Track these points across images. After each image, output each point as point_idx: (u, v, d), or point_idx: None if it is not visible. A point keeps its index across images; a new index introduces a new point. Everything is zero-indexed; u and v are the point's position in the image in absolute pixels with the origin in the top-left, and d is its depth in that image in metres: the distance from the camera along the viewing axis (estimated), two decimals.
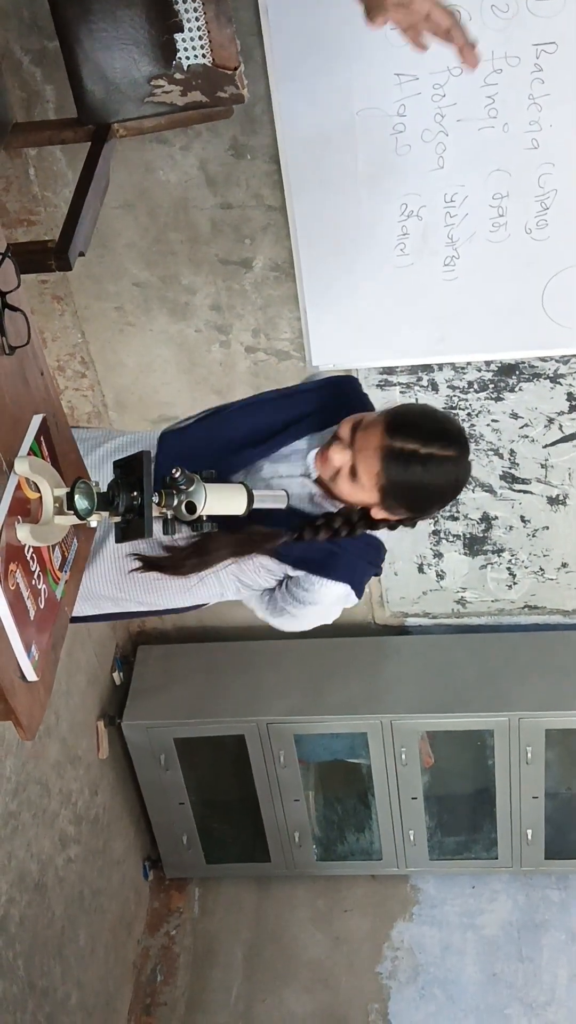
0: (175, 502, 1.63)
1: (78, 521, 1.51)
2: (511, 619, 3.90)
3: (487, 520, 3.61)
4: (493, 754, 3.68)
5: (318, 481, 1.92)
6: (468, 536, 3.66)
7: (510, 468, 3.45)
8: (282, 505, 1.84)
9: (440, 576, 3.79)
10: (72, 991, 3.35)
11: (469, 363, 3.21)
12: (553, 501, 3.53)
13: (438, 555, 3.72)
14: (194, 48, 2.16)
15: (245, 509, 1.74)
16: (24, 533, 1.41)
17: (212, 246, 3.02)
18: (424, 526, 3.61)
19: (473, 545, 3.68)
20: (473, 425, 3.35)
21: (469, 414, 3.33)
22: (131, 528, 1.56)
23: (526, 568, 3.73)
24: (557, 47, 2.57)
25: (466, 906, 4.03)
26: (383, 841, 3.95)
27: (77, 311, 3.20)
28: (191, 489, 1.64)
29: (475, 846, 4.02)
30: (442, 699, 3.66)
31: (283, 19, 2.57)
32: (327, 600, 1.95)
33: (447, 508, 3.55)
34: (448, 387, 3.27)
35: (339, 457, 1.82)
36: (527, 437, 3.37)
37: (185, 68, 2.18)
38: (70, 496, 1.49)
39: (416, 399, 3.29)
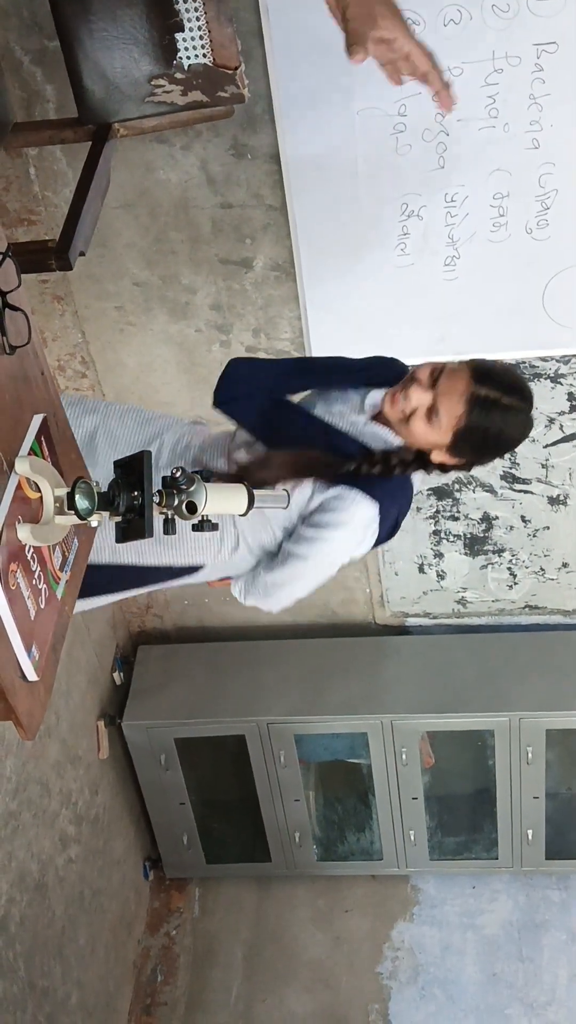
0: (176, 502, 1.63)
1: (79, 521, 1.51)
2: (512, 619, 3.90)
3: (488, 520, 3.61)
4: (493, 754, 3.68)
5: (375, 420, 2.03)
6: (469, 536, 3.66)
7: (511, 468, 3.45)
8: (283, 505, 1.84)
9: (441, 576, 3.79)
10: (72, 991, 3.35)
11: None
12: (554, 501, 3.53)
13: (439, 555, 3.72)
14: (195, 48, 2.16)
15: (246, 509, 1.75)
16: (25, 533, 1.41)
17: (212, 246, 3.02)
18: (425, 526, 3.61)
19: (474, 545, 3.68)
20: None
21: None
22: (132, 528, 1.56)
23: (527, 568, 3.72)
24: (558, 47, 2.57)
25: (466, 906, 4.03)
26: (383, 841, 3.95)
27: (77, 311, 3.20)
28: (192, 489, 1.64)
29: (475, 846, 4.02)
30: (442, 699, 3.66)
31: (283, 19, 2.57)
32: (356, 520, 1.97)
33: (447, 509, 3.56)
34: None
35: (419, 397, 1.92)
36: (528, 437, 3.36)
37: (186, 68, 2.18)
38: (71, 496, 1.49)
39: None
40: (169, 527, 1.65)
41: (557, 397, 3.26)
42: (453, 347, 3.11)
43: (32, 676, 1.45)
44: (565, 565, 3.70)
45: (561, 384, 3.23)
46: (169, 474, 1.60)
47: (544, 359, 3.18)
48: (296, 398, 2.18)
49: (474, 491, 3.52)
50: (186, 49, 2.16)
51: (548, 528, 3.60)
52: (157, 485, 1.60)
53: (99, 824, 3.68)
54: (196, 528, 1.68)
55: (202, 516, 1.66)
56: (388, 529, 2.03)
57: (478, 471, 3.44)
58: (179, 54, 2.17)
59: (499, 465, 3.44)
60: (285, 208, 2.90)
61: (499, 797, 3.77)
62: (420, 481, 2.10)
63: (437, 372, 1.92)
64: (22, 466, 1.43)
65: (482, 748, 3.86)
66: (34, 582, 1.46)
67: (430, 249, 2.91)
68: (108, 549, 2.03)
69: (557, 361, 3.18)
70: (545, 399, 3.27)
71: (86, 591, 1.96)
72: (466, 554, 3.71)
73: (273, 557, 2.09)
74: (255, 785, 3.82)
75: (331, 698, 3.69)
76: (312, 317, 3.08)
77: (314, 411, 2.09)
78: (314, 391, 2.17)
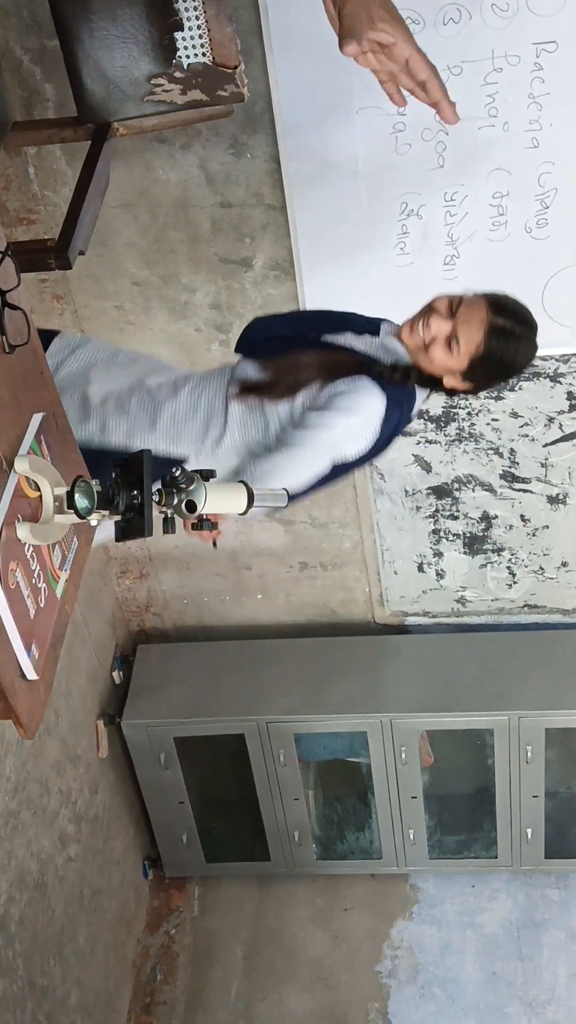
0: (175, 501, 1.63)
1: (78, 520, 1.51)
2: (511, 618, 3.90)
3: (487, 519, 3.61)
4: (493, 753, 3.68)
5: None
6: (468, 535, 3.66)
7: (510, 467, 3.45)
8: (282, 504, 1.84)
9: (440, 575, 3.79)
10: (72, 990, 3.35)
11: None
12: (553, 500, 3.53)
13: (438, 554, 3.72)
14: (194, 47, 2.16)
15: (245, 508, 1.75)
16: (24, 532, 1.41)
17: (212, 245, 3.02)
18: (424, 525, 3.62)
19: (473, 544, 3.68)
20: (473, 424, 3.35)
21: (469, 413, 3.33)
22: (131, 527, 1.56)
23: (526, 567, 3.73)
24: (557, 46, 2.57)
25: (466, 905, 4.03)
26: (383, 840, 3.95)
27: (77, 310, 3.20)
28: (191, 488, 1.64)
29: (475, 845, 4.02)
30: (442, 698, 3.66)
31: (283, 18, 2.58)
32: (364, 410, 2.05)
33: (447, 508, 3.56)
34: None
35: (439, 326, 2.05)
36: (527, 436, 3.37)
37: (185, 67, 2.18)
38: (70, 495, 1.49)
39: None
40: (168, 526, 1.65)
41: (556, 396, 3.26)
42: None
43: (32, 675, 1.45)
44: (564, 564, 3.70)
45: (560, 383, 3.23)
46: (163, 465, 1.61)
47: (543, 358, 3.18)
48: None
49: (473, 490, 3.53)
50: (186, 48, 2.16)
51: (547, 527, 3.60)
52: (157, 484, 1.60)
53: (99, 823, 3.68)
54: (195, 527, 1.68)
55: (201, 515, 1.66)
56: (386, 435, 2.10)
57: (478, 470, 3.44)
58: (179, 53, 2.17)
59: (498, 464, 3.44)
60: (284, 207, 2.90)
61: (498, 796, 3.77)
62: (422, 401, 2.20)
63: (456, 303, 2.06)
64: (22, 465, 1.43)
65: (481, 747, 3.86)
66: (34, 581, 1.46)
67: (429, 248, 2.91)
68: (98, 433, 2.09)
69: (556, 360, 3.18)
70: (544, 398, 3.27)
71: None
72: (465, 553, 3.71)
73: (251, 459, 2.11)
74: (254, 784, 3.82)
75: (330, 697, 3.69)
76: None
77: (330, 338, 2.20)
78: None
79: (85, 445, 2.02)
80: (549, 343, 3.09)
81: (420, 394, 2.17)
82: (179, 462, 2.02)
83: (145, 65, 2.18)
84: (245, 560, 3.83)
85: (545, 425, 3.33)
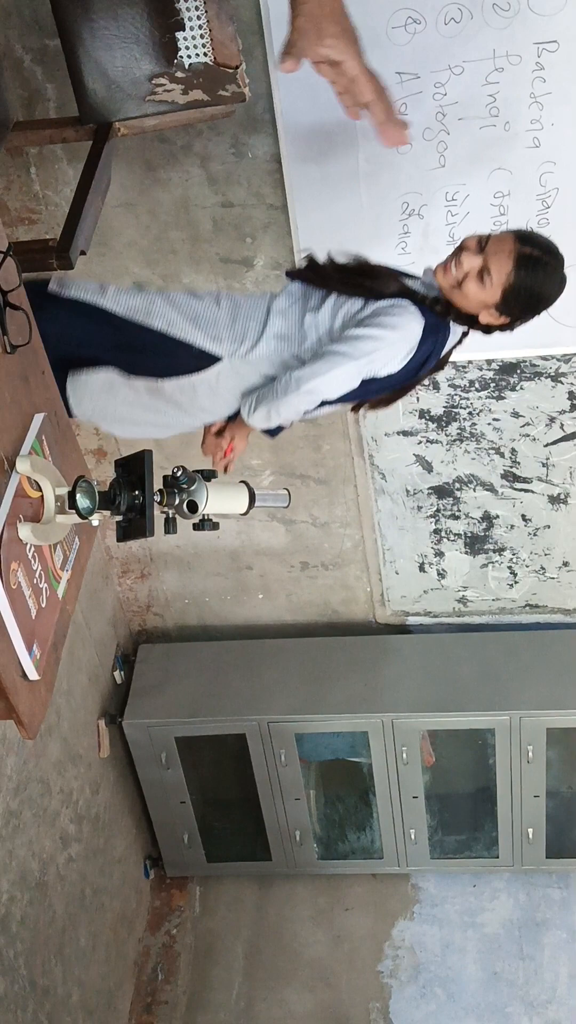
0: (176, 501, 1.63)
1: (80, 520, 1.51)
2: (512, 618, 3.90)
3: (488, 519, 3.61)
4: (494, 753, 3.68)
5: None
6: (469, 535, 3.66)
7: (511, 467, 3.45)
8: (284, 504, 1.85)
9: (441, 575, 3.79)
10: (73, 990, 3.35)
11: (470, 361, 3.21)
12: (554, 500, 3.53)
13: (439, 554, 3.72)
14: (195, 46, 2.16)
15: (247, 508, 1.75)
16: (26, 532, 1.42)
17: (213, 245, 3.02)
18: (425, 525, 3.62)
19: (474, 544, 3.68)
20: (474, 424, 3.35)
21: (470, 413, 3.33)
22: (132, 527, 1.56)
23: (527, 567, 3.73)
24: (558, 45, 2.57)
25: (467, 905, 4.03)
26: (384, 840, 3.95)
27: None
28: (192, 488, 1.64)
29: (476, 845, 4.02)
30: (443, 698, 3.66)
31: (284, 17, 2.56)
32: (404, 328, 2.15)
33: (448, 508, 3.56)
34: (449, 386, 3.27)
35: (471, 261, 2.14)
36: (528, 436, 3.37)
37: (186, 66, 2.18)
38: (71, 495, 1.49)
39: (417, 397, 3.29)
40: (170, 526, 1.66)
41: (558, 396, 3.26)
42: None
43: (33, 675, 1.46)
44: (565, 564, 3.70)
45: (562, 383, 3.23)
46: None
47: (544, 358, 3.18)
48: None
49: (475, 490, 3.52)
50: (187, 48, 2.16)
51: (549, 527, 3.60)
52: (158, 484, 1.60)
53: (100, 823, 3.68)
54: (197, 528, 1.68)
55: (203, 515, 1.67)
56: (417, 362, 2.21)
57: (479, 470, 3.44)
58: (180, 53, 2.17)
59: (499, 464, 3.44)
60: (286, 207, 2.90)
61: (500, 796, 3.77)
62: (455, 343, 2.30)
63: (484, 239, 2.16)
64: (23, 465, 1.43)
65: (483, 747, 3.86)
66: (35, 581, 1.46)
67: (431, 248, 2.90)
68: (143, 313, 2.20)
69: (558, 360, 3.18)
70: (546, 398, 3.27)
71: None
72: (467, 553, 3.71)
73: (285, 370, 2.21)
74: (256, 784, 3.82)
75: (332, 697, 3.69)
76: None
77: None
78: None
79: (128, 318, 2.19)
80: (551, 342, 3.10)
81: (455, 333, 2.27)
82: (215, 358, 2.19)
83: (146, 65, 2.18)
84: (246, 560, 3.83)
85: (546, 425, 3.33)
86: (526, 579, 3.77)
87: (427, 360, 2.24)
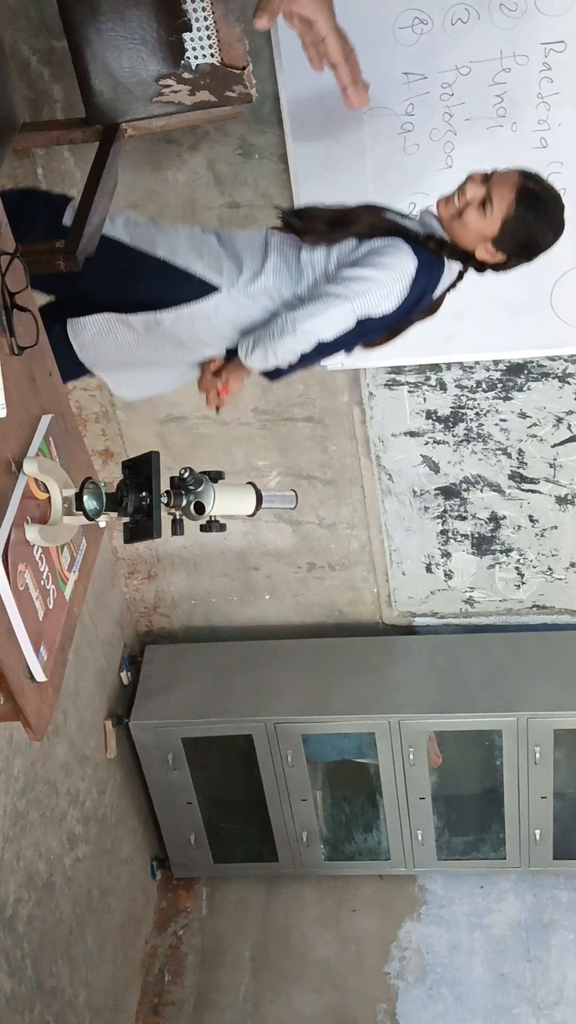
0: (184, 502, 1.63)
1: (87, 521, 1.51)
2: (519, 619, 3.90)
3: (495, 520, 3.60)
4: (501, 754, 3.68)
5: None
6: (476, 536, 3.65)
7: (518, 468, 3.45)
8: (291, 506, 1.85)
9: (448, 576, 3.78)
10: (80, 991, 3.35)
11: (477, 362, 3.21)
12: (562, 501, 3.52)
13: (446, 555, 3.72)
14: (202, 47, 2.16)
15: (254, 510, 1.75)
16: (33, 533, 1.42)
17: None
18: (432, 525, 3.61)
19: (481, 545, 3.68)
20: (481, 424, 3.35)
21: (477, 413, 3.32)
22: (139, 529, 1.56)
23: (534, 568, 3.72)
24: (566, 46, 2.57)
25: (474, 906, 4.03)
26: (391, 841, 3.95)
27: None
28: (199, 489, 1.64)
29: (483, 846, 4.02)
30: (450, 699, 3.65)
31: None
32: (398, 267, 2.16)
33: (455, 509, 3.56)
34: (456, 386, 3.27)
35: (474, 191, 2.16)
36: (535, 436, 3.36)
37: (193, 67, 2.18)
38: (79, 496, 1.49)
39: (424, 398, 3.29)
40: (177, 528, 1.66)
41: (565, 396, 3.25)
42: (460, 346, 3.11)
43: (40, 676, 1.46)
44: (573, 565, 3.69)
45: (569, 383, 3.22)
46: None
47: (552, 358, 3.17)
48: None
49: (482, 491, 3.52)
50: (194, 49, 2.16)
51: (556, 528, 3.59)
52: (165, 485, 1.60)
53: (106, 824, 3.68)
54: (204, 529, 1.68)
55: (210, 516, 1.66)
56: (411, 301, 2.21)
57: (486, 471, 3.43)
58: (187, 54, 2.17)
59: (507, 464, 3.43)
60: (293, 208, 2.89)
61: (507, 797, 3.76)
62: (450, 283, 2.29)
63: (489, 174, 2.18)
64: (30, 467, 1.43)
65: (490, 748, 3.86)
66: (42, 583, 1.46)
67: None
68: (147, 242, 2.22)
69: (565, 360, 3.17)
70: (553, 398, 3.26)
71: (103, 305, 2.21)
72: (474, 554, 3.71)
73: (283, 308, 2.23)
74: (262, 785, 3.82)
75: (338, 698, 3.69)
76: None
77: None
78: None
79: (133, 246, 2.22)
80: (557, 343, 3.10)
81: (451, 272, 2.27)
82: (214, 288, 2.20)
83: (153, 66, 2.18)
84: (253, 561, 3.83)
85: (553, 425, 3.33)
86: (533, 580, 3.76)
87: (421, 298, 2.25)
